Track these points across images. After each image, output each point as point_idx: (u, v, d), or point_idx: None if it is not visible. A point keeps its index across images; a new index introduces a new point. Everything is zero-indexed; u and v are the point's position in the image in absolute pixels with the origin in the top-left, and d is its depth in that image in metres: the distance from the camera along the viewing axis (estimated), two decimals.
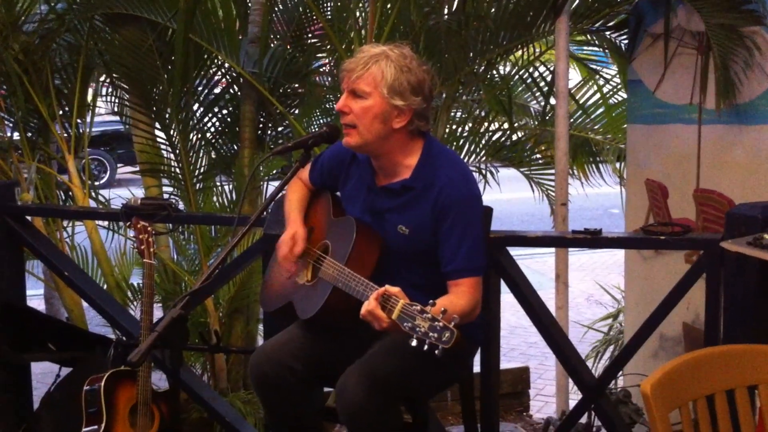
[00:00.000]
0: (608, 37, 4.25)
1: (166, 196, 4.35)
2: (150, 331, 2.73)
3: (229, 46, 4.13)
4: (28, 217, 3.75)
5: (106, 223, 4.49)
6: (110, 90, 4.53)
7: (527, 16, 3.90)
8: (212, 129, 4.47)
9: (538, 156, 5.08)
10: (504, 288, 3.02)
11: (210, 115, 4.43)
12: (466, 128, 4.74)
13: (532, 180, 4.95)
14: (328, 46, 4.50)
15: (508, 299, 3.10)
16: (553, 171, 4.18)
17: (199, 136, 4.36)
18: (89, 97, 4.55)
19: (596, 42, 4.46)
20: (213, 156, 4.43)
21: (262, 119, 4.37)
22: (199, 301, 3.69)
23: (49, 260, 3.63)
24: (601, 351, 4.85)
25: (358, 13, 4.30)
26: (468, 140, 4.67)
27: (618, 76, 4.91)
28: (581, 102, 5.01)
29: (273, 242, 2.76)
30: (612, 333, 4.98)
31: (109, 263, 4.45)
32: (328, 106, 4.39)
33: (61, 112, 4.32)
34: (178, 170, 4.26)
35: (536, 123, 5.09)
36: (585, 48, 4.95)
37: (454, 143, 4.57)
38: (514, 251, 3.06)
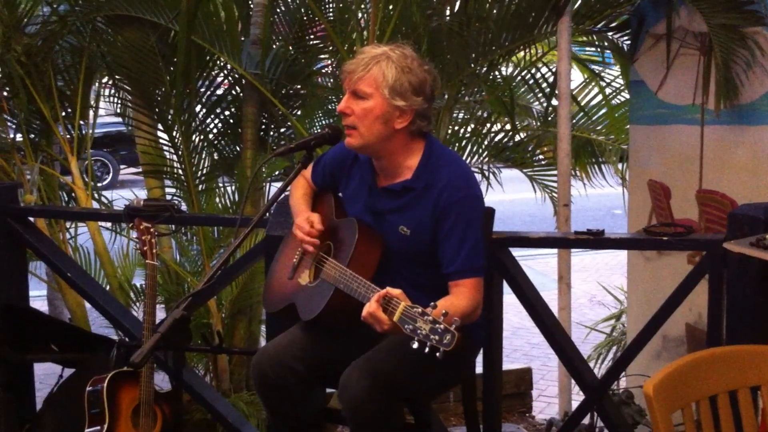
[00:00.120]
0: (610, 37, 4.25)
1: (168, 197, 4.35)
2: (152, 332, 2.72)
3: (231, 48, 4.13)
4: (31, 219, 3.75)
5: (108, 224, 4.50)
6: (113, 91, 4.53)
7: (529, 17, 3.90)
8: (214, 130, 4.48)
9: (541, 157, 5.07)
10: (507, 289, 3.01)
11: (212, 116, 4.43)
12: (468, 129, 4.73)
13: (535, 181, 4.95)
14: (330, 48, 4.50)
15: (510, 300, 3.09)
16: (555, 172, 4.17)
17: (202, 137, 4.36)
18: (92, 99, 4.56)
19: (598, 43, 4.46)
20: (215, 157, 4.43)
21: (264, 120, 4.37)
22: (202, 302, 3.69)
23: (52, 261, 3.64)
24: (604, 352, 4.84)
25: (360, 14, 4.31)
26: (470, 141, 4.67)
27: (620, 76, 4.91)
28: (584, 103, 5.00)
29: (276, 243, 2.77)
30: (614, 334, 4.98)
31: (111, 264, 4.46)
32: (330, 107, 4.39)
33: (63, 114, 4.33)
34: (180, 171, 4.26)
35: (538, 124, 5.09)
36: (587, 49, 4.95)
37: (457, 144, 4.57)
38: (517, 252, 3.06)
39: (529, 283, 3.05)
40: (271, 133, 4.45)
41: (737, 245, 2.50)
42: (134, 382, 3.04)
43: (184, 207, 4.06)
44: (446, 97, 4.11)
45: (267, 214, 2.84)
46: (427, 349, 2.03)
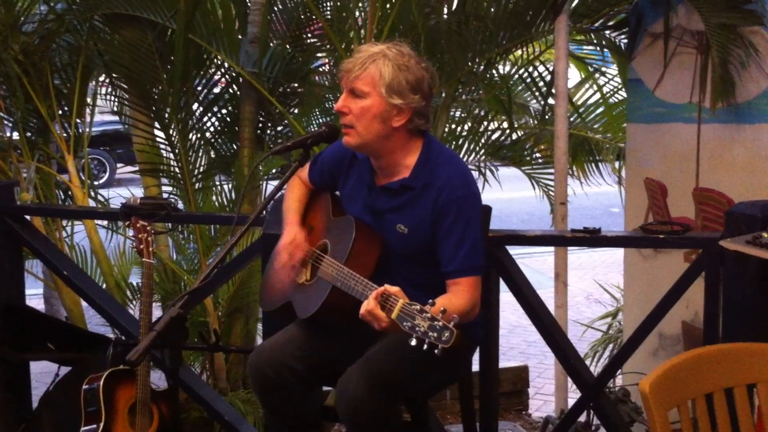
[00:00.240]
0: (608, 36, 4.25)
1: (165, 195, 4.34)
2: (149, 330, 2.72)
3: (229, 46, 4.13)
4: (28, 217, 3.75)
5: (105, 222, 4.49)
6: (110, 90, 4.53)
7: (527, 16, 3.90)
8: (212, 128, 4.47)
9: (538, 155, 5.08)
10: (503, 287, 3.02)
11: (209, 114, 4.43)
12: (466, 127, 4.73)
13: (532, 179, 4.95)
14: (328, 46, 4.50)
15: (507, 298, 3.10)
16: (552, 170, 4.18)
17: (199, 135, 4.36)
18: (88, 98, 4.55)
19: (596, 41, 4.46)
20: (212, 155, 4.43)
21: (261, 119, 4.37)
22: (199, 300, 3.69)
23: (49, 260, 3.64)
24: (600, 350, 4.85)
25: (357, 13, 4.31)
26: (467, 139, 4.67)
27: (618, 75, 4.92)
28: (581, 101, 5.01)
29: (272, 241, 2.76)
30: (611, 332, 4.99)
31: (108, 263, 4.45)
32: (327, 105, 4.39)
33: (60, 112, 4.33)
34: (177, 170, 4.26)
35: (536, 122, 5.09)
36: (585, 47, 4.95)
37: (454, 142, 4.58)
38: (514, 250, 3.06)
39: (526, 281, 3.05)
40: (269, 131, 4.45)
41: (734, 243, 2.50)
42: (131, 380, 3.04)
43: (180, 205, 4.07)
44: (444, 95, 4.11)
45: (264, 212, 2.84)
46: (425, 346, 2.03)
